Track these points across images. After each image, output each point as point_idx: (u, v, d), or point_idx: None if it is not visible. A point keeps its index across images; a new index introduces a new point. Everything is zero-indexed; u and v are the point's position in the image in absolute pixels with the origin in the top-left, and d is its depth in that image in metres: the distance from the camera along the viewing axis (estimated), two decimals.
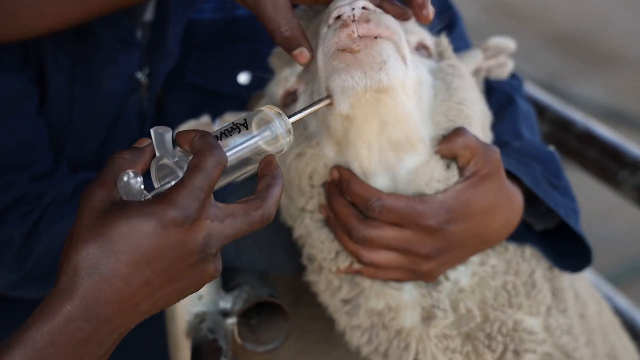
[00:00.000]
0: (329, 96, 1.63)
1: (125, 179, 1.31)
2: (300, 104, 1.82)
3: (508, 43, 2.04)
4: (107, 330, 1.30)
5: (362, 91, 1.58)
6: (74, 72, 2.11)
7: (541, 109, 2.85)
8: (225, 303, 1.86)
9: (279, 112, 1.48)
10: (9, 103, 2.06)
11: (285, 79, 1.86)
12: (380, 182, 1.75)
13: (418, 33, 1.85)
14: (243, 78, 2.24)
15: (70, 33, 2.08)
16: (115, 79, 2.13)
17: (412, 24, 1.88)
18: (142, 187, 1.32)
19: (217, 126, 1.99)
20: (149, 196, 1.33)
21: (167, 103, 2.21)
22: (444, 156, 1.74)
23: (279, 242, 1.96)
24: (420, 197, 1.73)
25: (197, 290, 1.40)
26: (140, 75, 2.15)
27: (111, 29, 2.09)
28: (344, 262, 1.81)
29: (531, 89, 3.00)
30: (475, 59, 1.99)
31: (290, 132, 1.48)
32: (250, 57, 2.23)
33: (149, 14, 2.15)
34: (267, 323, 1.89)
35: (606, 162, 2.65)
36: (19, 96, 2.07)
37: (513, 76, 2.16)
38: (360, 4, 1.60)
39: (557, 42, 7.32)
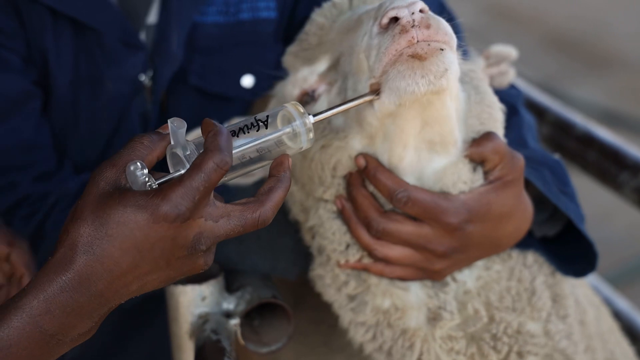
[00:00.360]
0: (374, 93, 1.63)
1: (132, 168, 1.37)
2: (321, 103, 1.82)
3: (510, 51, 2.05)
4: (98, 303, 1.38)
5: (421, 94, 1.60)
6: (78, 74, 2.12)
7: (541, 112, 2.85)
8: (229, 304, 1.87)
9: (302, 112, 1.49)
10: (12, 103, 2.07)
11: (304, 78, 1.86)
12: (406, 179, 1.76)
13: None
14: (246, 81, 2.25)
15: (72, 35, 2.09)
16: (119, 81, 2.14)
17: None
18: (147, 179, 1.37)
19: None
20: (155, 185, 1.37)
21: (170, 106, 2.22)
22: (473, 159, 1.76)
23: (282, 246, 1.96)
24: (445, 194, 1.75)
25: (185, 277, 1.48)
26: (144, 78, 2.15)
27: (113, 31, 2.10)
28: (355, 255, 1.82)
29: (532, 91, 3.01)
30: (477, 66, 1.99)
31: (310, 130, 1.49)
32: (254, 60, 2.24)
33: (153, 17, 2.16)
34: (270, 324, 1.90)
35: (606, 165, 2.66)
36: (23, 96, 2.08)
37: (512, 86, 2.17)
38: (419, 6, 1.59)
39: (555, 44, 7.33)
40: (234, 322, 1.85)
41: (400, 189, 1.72)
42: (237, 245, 1.95)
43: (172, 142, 1.41)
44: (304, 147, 1.51)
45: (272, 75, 2.13)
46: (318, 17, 1.90)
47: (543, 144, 2.83)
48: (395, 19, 1.59)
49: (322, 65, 1.84)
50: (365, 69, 1.66)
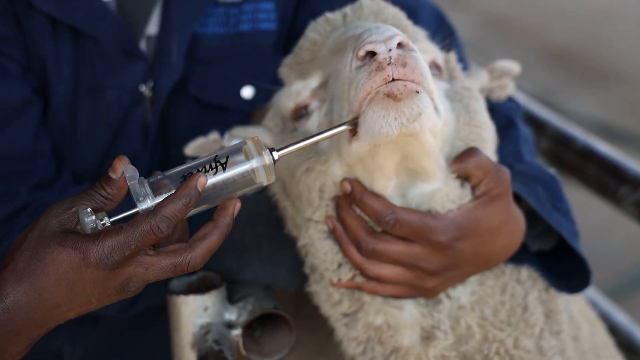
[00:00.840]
0: (351, 123, 1.61)
1: (80, 212, 1.47)
2: (313, 120, 1.83)
3: (513, 66, 2.05)
4: (35, 327, 1.50)
5: (395, 136, 1.58)
6: (77, 82, 2.12)
7: (541, 125, 2.86)
8: (231, 315, 1.87)
9: (261, 148, 1.52)
10: (12, 111, 2.06)
11: (297, 92, 1.87)
12: (392, 200, 1.76)
13: (431, 51, 1.87)
14: (246, 92, 2.26)
15: (72, 43, 2.09)
16: (119, 90, 2.14)
17: (425, 41, 1.90)
18: (94, 225, 1.47)
19: (225, 141, 2.01)
20: (108, 223, 1.48)
21: (170, 116, 2.22)
22: (457, 176, 1.76)
23: (283, 258, 1.97)
24: (432, 213, 1.75)
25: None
26: (145, 89, 2.16)
27: (113, 39, 2.10)
28: (347, 274, 1.82)
29: (531, 105, 3.01)
30: (481, 79, 2.00)
31: (270, 166, 1.52)
32: (254, 71, 2.24)
33: (152, 28, 2.16)
34: (271, 335, 1.91)
35: (606, 179, 2.66)
36: (22, 104, 2.07)
37: (510, 99, 2.17)
38: (396, 40, 1.57)
39: (551, 58, 7.35)
40: (236, 332, 1.85)
41: (388, 212, 1.73)
42: (238, 258, 1.95)
43: (129, 185, 1.49)
44: (264, 183, 1.53)
45: (271, 87, 2.13)
46: (311, 32, 1.90)
47: (542, 158, 2.84)
48: (372, 53, 1.57)
49: (314, 81, 1.85)
50: (346, 98, 1.65)
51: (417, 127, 1.57)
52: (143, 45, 2.16)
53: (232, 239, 1.95)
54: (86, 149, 2.17)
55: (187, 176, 1.50)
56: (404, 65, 1.56)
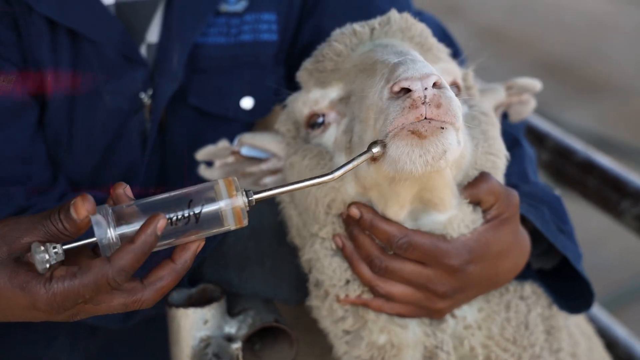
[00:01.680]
0: (371, 149, 1.59)
1: (33, 248, 1.46)
2: (330, 134, 1.82)
3: (535, 83, 2.03)
4: None
5: (419, 174, 1.57)
6: (75, 87, 2.10)
7: (541, 138, 2.86)
8: (230, 328, 1.87)
9: (234, 190, 1.50)
10: (9, 113, 2.05)
11: (315, 101, 1.84)
12: (404, 223, 1.76)
13: (453, 71, 1.85)
14: (246, 103, 2.25)
15: (71, 47, 2.08)
16: (118, 96, 2.13)
17: (448, 60, 1.88)
18: (45, 266, 1.46)
19: (235, 146, 1.99)
20: (60, 251, 1.46)
21: (169, 125, 2.21)
22: (470, 202, 1.76)
23: (285, 273, 1.96)
24: (444, 236, 1.75)
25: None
26: (144, 96, 2.15)
27: (114, 43, 2.09)
28: (355, 291, 1.81)
29: (531, 117, 3.01)
30: (497, 96, 2.00)
31: (243, 209, 1.50)
32: (254, 82, 2.24)
33: (153, 36, 2.15)
34: (271, 348, 1.90)
35: (607, 192, 2.66)
36: (19, 107, 2.06)
37: None
38: (433, 80, 1.54)
39: (545, 69, 7.36)
40: (236, 345, 1.84)
41: (401, 236, 1.73)
42: (240, 271, 1.94)
43: (94, 228, 1.47)
44: (232, 227, 1.51)
45: (272, 98, 2.12)
46: (337, 43, 1.86)
47: (543, 170, 2.84)
48: (407, 89, 1.55)
49: (334, 92, 1.83)
50: (372, 125, 1.64)
51: (442, 165, 1.56)
52: (143, 52, 2.15)
53: (234, 252, 1.94)
54: (82, 155, 2.16)
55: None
56: (438, 106, 1.53)
